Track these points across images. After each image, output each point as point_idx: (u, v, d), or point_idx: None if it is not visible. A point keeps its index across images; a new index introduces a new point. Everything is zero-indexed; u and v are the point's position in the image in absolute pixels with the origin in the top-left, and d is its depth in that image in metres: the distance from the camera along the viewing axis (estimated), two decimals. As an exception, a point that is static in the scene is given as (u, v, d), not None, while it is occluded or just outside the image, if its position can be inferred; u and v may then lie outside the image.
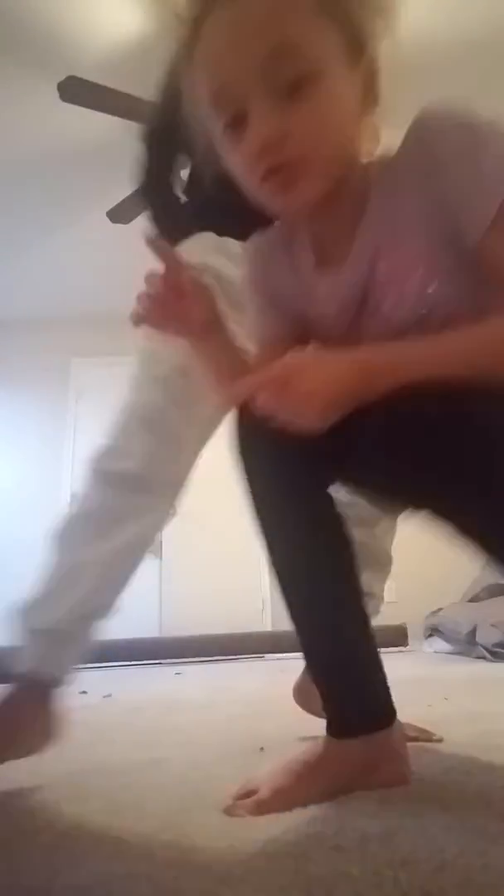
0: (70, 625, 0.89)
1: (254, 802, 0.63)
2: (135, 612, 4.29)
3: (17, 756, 0.82)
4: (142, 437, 0.96)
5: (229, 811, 0.63)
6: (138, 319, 0.78)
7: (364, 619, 0.74)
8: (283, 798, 0.63)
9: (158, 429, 0.97)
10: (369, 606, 0.80)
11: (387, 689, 0.72)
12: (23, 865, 0.51)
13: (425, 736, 0.95)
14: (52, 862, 0.51)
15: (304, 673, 1.07)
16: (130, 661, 3.49)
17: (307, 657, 0.76)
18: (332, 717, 0.72)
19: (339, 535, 0.73)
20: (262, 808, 0.62)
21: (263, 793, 0.64)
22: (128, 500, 0.95)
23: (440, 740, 0.94)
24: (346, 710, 0.71)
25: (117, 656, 3.46)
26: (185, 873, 0.47)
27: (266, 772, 0.69)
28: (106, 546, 0.94)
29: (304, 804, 0.62)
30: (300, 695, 1.10)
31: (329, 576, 0.72)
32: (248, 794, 0.65)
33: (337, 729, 0.70)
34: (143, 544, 0.98)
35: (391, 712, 0.71)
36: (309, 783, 0.66)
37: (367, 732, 0.69)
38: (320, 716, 0.93)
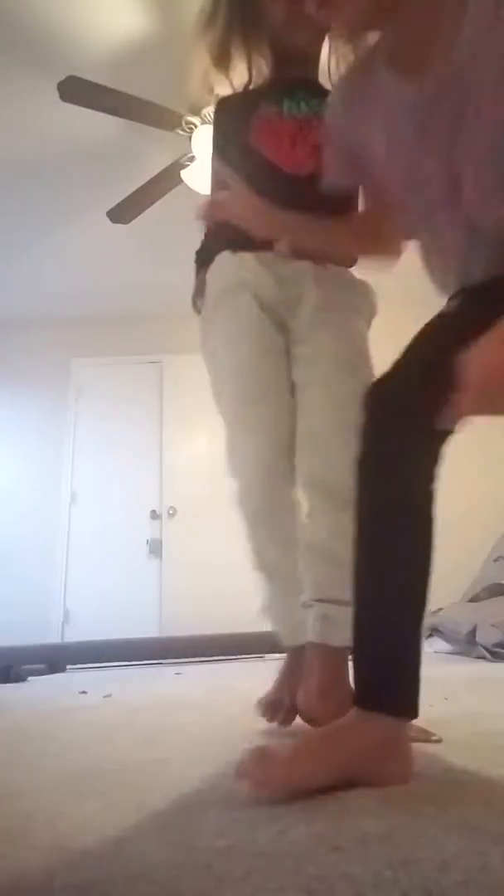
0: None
1: (263, 770, 0.64)
2: (135, 612, 4.31)
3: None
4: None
5: (241, 772, 0.64)
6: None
7: (424, 606, 0.77)
8: (292, 769, 0.65)
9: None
10: None
11: (419, 683, 0.73)
12: (23, 865, 0.51)
13: (424, 736, 0.95)
14: (52, 862, 0.51)
15: (315, 689, 1.00)
16: (130, 661, 3.50)
17: (367, 615, 0.76)
18: (369, 686, 0.72)
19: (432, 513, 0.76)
20: (270, 776, 0.64)
21: (274, 762, 0.65)
22: None
23: (439, 741, 0.94)
24: (387, 681, 0.72)
25: (117, 656, 3.46)
26: (185, 873, 0.47)
27: (287, 744, 0.71)
28: None
29: (311, 781, 0.64)
30: (320, 711, 0.97)
31: (422, 547, 0.76)
32: (262, 757, 0.66)
33: (372, 697, 0.71)
34: None
35: (416, 708, 0.72)
36: (322, 758, 0.67)
37: (396, 713, 0.70)
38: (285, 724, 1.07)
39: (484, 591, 3.36)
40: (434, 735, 0.95)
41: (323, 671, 1.00)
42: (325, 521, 1.03)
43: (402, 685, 0.72)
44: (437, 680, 1.88)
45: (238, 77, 1.13)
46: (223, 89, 1.16)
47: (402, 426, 0.73)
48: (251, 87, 1.15)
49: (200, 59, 1.13)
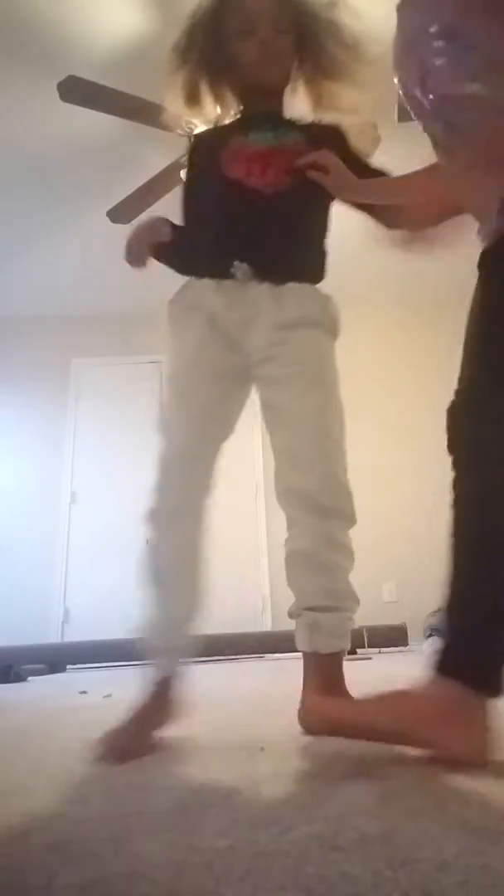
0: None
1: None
2: (135, 613, 4.29)
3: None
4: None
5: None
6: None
7: None
8: (353, 710, 0.70)
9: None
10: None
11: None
12: (23, 865, 0.51)
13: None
14: (52, 862, 0.51)
15: (312, 695, 1.00)
16: (130, 661, 3.49)
17: (463, 584, 0.78)
18: (449, 653, 0.74)
19: None
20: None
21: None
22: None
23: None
24: (468, 650, 0.73)
25: (117, 656, 3.46)
26: (185, 873, 0.47)
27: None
28: None
29: (366, 724, 0.68)
30: (314, 717, 0.96)
31: None
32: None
33: (449, 663, 0.72)
34: None
35: (498, 686, 0.71)
36: (384, 706, 0.70)
37: (473, 684, 0.70)
38: (325, 733, 0.93)
39: (484, 591, 3.36)
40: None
41: (317, 680, 1.00)
42: (308, 530, 1.03)
43: (484, 658, 0.72)
44: (437, 680, 1.87)
45: (209, 113, 1.19)
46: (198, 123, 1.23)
47: None
48: (223, 122, 1.22)
49: (173, 97, 1.19)
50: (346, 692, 1.00)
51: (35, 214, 3.66)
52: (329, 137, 1.13)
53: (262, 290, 1.06)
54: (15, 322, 4.80)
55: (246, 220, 1.07)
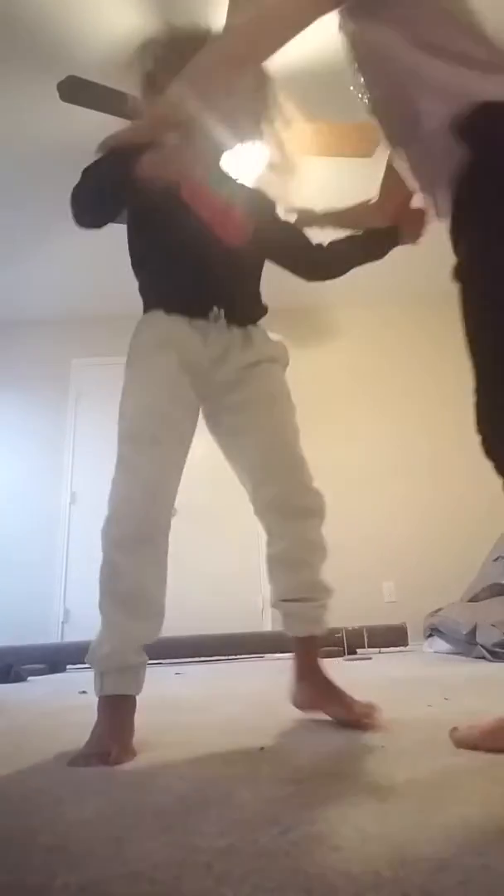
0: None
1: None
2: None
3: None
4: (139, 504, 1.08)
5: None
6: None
7: None
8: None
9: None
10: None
11: None
12: (23, 865, 0.51)
13: (366, 711, 1.05)
14: (52, 862, 0.51)
15: (295, 675, 1.19)
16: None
17: None
18: None
19: None
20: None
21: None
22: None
23: (380, 728, 0.99)
24: None
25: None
26: (185, 873, 0.47)
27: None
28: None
29: None
30: (298, 695, 1.18)
31: None
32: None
33: None
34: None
35: None
36: None
37: None
38: (320, 711, 1.11)
39: (484, 591, 3.36)
40: (376, 718, 1.04)
41: (295, 659, 1.19)
42: (286, 533, 1.18)
43: None
44: (437, 680, 1.88)
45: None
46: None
47: None
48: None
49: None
50: (321, 671, 1.16)
51: (35, 214, 3.66)
52: (263, 200, 1.33)
53: (232, 331, 1.20)
54: (15, 322, 4.80)
55: (219, 268, 1.19)
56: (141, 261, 1.26)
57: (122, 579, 1.03)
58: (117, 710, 0.99)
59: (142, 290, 1.25)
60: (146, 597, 1.05)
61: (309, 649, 1.18)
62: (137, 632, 1.03)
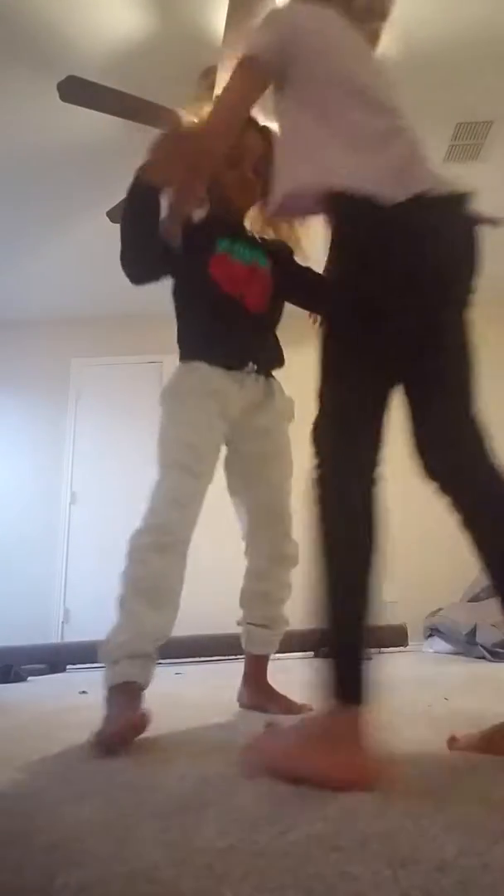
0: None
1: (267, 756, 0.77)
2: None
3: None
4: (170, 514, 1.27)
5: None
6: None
7: None
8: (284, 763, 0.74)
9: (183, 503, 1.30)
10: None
11: None
12: (23, 865, 0.51)
13: (297, 707, 1.27)
14: (52, 862, 0.51)
15: (244, 681, 1.47)
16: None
17: (345, 620, 0.82)
18: (355, 682, 0.77)
19: None
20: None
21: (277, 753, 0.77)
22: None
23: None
24: (364, 678, 0.77)
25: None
26: (185, 873, 0.47)
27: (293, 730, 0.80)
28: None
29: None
30: (245, 697, 1.45)
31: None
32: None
33: (355, 693, 0.75)
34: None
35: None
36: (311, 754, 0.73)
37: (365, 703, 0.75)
38: (261, 710, 1.36)
39: (484, 591, 3.36)
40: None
41: (247, 669, 1.48)
42: (270, 576, 1.44)
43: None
44: (437, 680, 1.88)
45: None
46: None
47: None
48: (205, 218, 1.45)
49: None
50: (265, 679, 1.46)
51: (35, 214, 3.66)
52: (281, 253, 1.47)
53: (259, 381, 1.42)
54: (15, 322, 4.80)
55: (247, 329, 1.41)
56: (179, 316, 1.46)
57: (146, 573, 1.20)
58: (127, 695, 1.09)
59: (180, 340, 1.45)
60: (165, 586, 1.21)
61: (260, 664, 1.47)
62: (154, 621, 1.18)
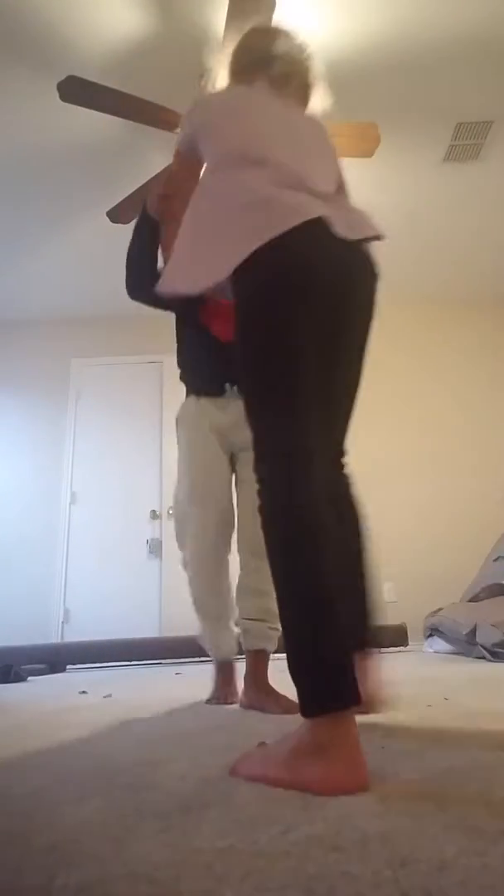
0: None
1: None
2: (135, 612, 4.29)
3: None
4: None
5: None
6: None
7: None
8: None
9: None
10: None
11: None
12: (22, 866, 0.51)
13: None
14: (52, 862, 0.51)
15: (245, 681, 1.53)
16: (130, 661, 3.50)
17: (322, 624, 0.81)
18: (339, 685, 0.75)
19: None
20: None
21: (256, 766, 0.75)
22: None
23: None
24: (347, 679, 0.76)
25: (117, 656, 3.46)
26: (185, 873, 0.47)
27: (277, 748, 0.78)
28: None
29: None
30: (245, 697, 1.49)
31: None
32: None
33: (339, 697, 0.74)
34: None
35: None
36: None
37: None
38: (261, 710, 1.38)
39: (484, 591, 3.36)
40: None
41: (247, 667, 1.55)
42: (256, 570, 1.55)
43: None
44: (437, 680, 1.88)
45: None
46: None
47: None
48: None
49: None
50: (265, 679, 1.50)
51: (35, 214, 3.66)
52: None
53: (238, 402, 1.49)
54: (15, 322, 4.80)
55: (227, 358, 1.55)
56: (179, 355, 1.79)
57: (202, 601, 1.61)
58: (223, 670, 1.64)
59: (181, 377, 1.77)
60: (206, 604, 1.62)
61: (258, 661, 1.52)
62: (216, 629, 1.62)
